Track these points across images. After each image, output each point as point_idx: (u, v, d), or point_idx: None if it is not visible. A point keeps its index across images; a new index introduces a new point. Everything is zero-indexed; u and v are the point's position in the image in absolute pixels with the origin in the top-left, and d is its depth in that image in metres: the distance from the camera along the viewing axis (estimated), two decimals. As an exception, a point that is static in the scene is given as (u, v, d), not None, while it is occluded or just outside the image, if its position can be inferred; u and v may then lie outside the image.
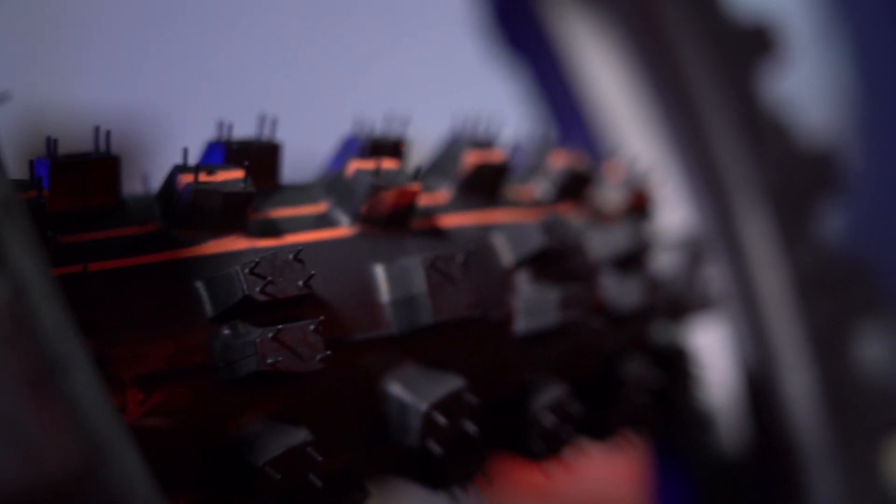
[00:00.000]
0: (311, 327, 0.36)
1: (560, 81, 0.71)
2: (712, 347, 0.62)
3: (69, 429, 0.24)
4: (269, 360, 0.35)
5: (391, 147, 0.42)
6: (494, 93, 0.71)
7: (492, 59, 0.72)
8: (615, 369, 0.47)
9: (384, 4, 1.53)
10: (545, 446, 0.44)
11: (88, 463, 0.25)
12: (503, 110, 0.50)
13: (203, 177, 0.36)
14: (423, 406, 0.39)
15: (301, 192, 0.40)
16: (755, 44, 0.69)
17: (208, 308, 0.36)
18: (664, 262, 0.51)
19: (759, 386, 0.66)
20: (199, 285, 0.36)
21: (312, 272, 0.36)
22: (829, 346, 0.67)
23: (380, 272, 0.39)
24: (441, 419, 0.39)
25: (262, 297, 0.35)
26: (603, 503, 1.63)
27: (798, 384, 0.66)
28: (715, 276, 0.60)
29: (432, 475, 0.41)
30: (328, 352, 0.36)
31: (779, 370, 0.66)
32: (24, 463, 0.23)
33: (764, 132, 0.69)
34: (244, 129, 0.39)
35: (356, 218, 0.40)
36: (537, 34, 0.71)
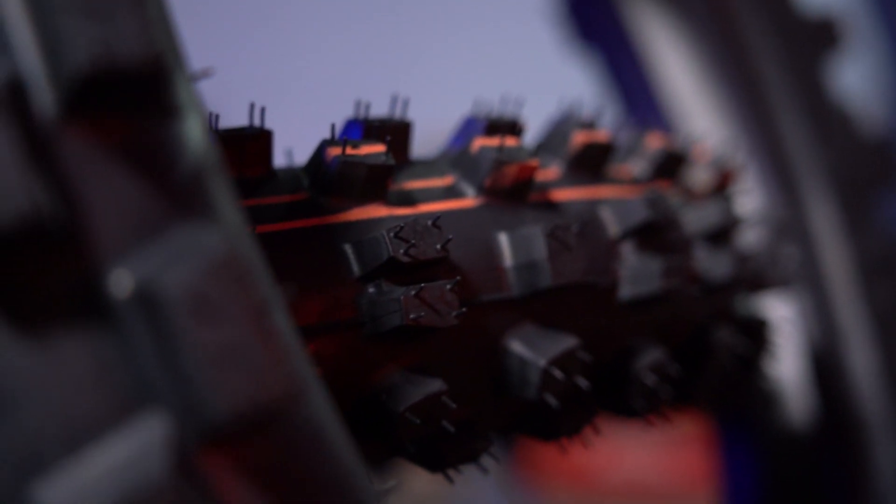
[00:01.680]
0: (448, 286, 0.39)
1: (633, 71, 0.74)
2: (780, 325, 0.65)
3: (285, 359, 0.28)
4: (411, 316, 0.39)
5: (509, 126, 0.46)
6: (571, 81, 0.74)
7: (567, 50, 0.76)
8: (706, 336, 0.50)
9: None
10: (646, 403, 0.47)
11: (299, 391, 0.28)
12: (579, 97, 0.53)
13: (349, 150, 0.40)
14: (542, 361, 0.42)
15: (430, 167, 0.44)
16: (822, 37, 0.72)
17: (355, 268, 0.39)
18: (749, 237, 0.54)
19: (825, 363, 0.70)
20: (347, 248, 0.40)
21: (450, 236, 0.40)
22: (891, 325, 0.70)
23: (503, 239, 0.43)
24: (558, 373, 0.42)
25: (405, 259, 0.39)
26: (641, 491, 1.66)
27: (862, 362, 0.69)
28: (794, 253, 0.63)
29: (546, 427, 0.45)
30: (463, 309, 0.40)
31: (844, 348, 0.69)
32: (254, 385, 0.27)
33: (829, 122, 0.72)
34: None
35: (481, 190, 0.43)
36: (611, 25, 0.75)
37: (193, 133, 0.29)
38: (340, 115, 0.43)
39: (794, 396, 0.70)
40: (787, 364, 0.67)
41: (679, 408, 0.53)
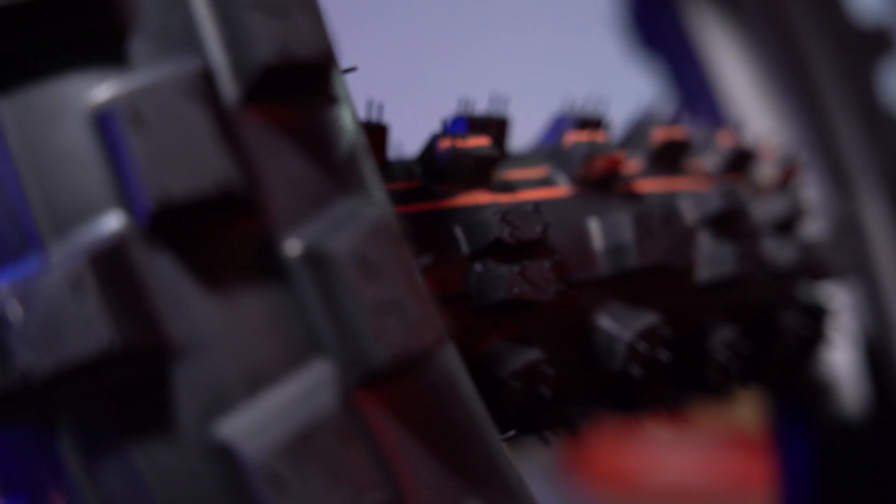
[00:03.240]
0: (547, 265, 0.44)
1: (695, 76, 0.79)
2: (837, 314, 0.69)
3: (433, 314, 0.32)
4: (514, 291, 0.43)
5: (596, 123, 0.50)
6: (634, 85, 0.79)
7: (632, 56, 0.80)
8: (772, 318, 0.54)
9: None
10: (719, 379, 0.51)
11: (440, 343, 0.33)
12: (652, 98, 0.57)
13: (458, 143, 0.45)
14: (628, 335, 0.46)
15: (526, 159, 0.48)
16: (875, 43, 0.76)
17: (464, 248, 0.44)
18: (811, 229, 0.59)
19: (877, 353, 0.74)
20: (456, 229, 0.44)
21: (548, 221, 0.44)
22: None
23: (593, 224, 0.47)
24: (642, 347, 0.46)
25: (509, 240, 0.43)
26: (686, 494, 1.68)
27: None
28: (851, 246, 0.68)
29: (629, 398, 0.49)
30: (561, 285, 0.44)
31: (895, 339, 0.73)
32: (408, 335, 0.31)
33: (882, 125, 0.76)
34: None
35: (573, 180, 0.48)
36: (674, 33, 0.79)
37: (348, 119, 0.33)
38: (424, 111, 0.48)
39: (848, 385, 0.74)
40: (841, 353, 0.71)
41: (746, 387, 0.57)
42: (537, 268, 0.44)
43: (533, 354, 0.44)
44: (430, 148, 0.45)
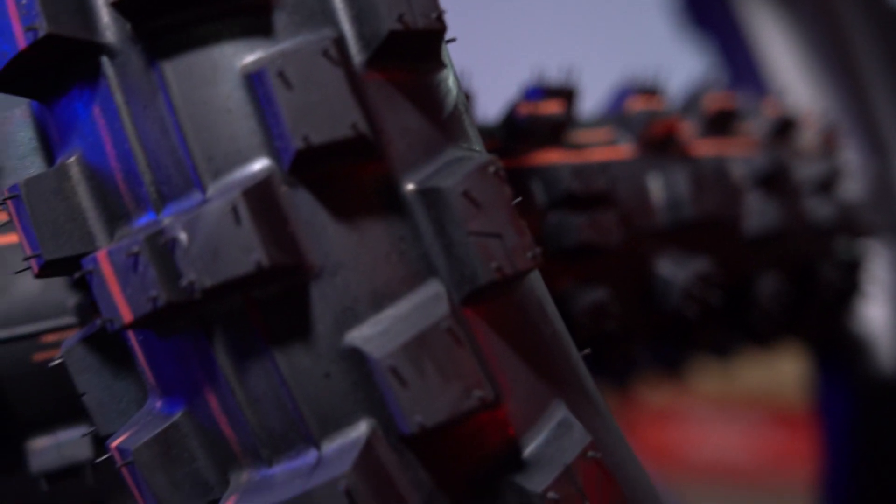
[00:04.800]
0: (613, 215, 0.50)
1: (741, 51, 0.84)
2: (873, 270, 0.74)
3: (528, 242, 0.38)
4: (584, 237, 0.49)
5: (654, 91, 0.56)
6: (685, 59, 0.84)
7: (682, 32, 0.86)
8: (813, 271, 0.60)
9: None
10: (764, 324, 0.57)
11: (533, 268, 0.38)
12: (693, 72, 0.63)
13: (535, 108, 0.51)
14: (683, 279, 0.52)
15: (594, 122, 0.54)
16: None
17: (541, 199, 0.50)
18: (849, 191, 0.64)
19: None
20: (534, 184, 0.50)
21: (614, 177, 0.50)
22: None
23: (653, 181, 0.53)
24: (696, 290, 0.52)
25: (580, 193, 0.49)
26: (726, 471, 1.71)
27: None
28: (889, 204, 0.73)
29: (683, 338, 0.55)
30: (625, 234, 0.50)
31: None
32: (509, 260, 0.37)
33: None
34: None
35: (634, 142, 0.54)
36: (721, 11, 0.85)
37: (453, 81, 0.39)
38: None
39: (885, 341, 0.79)
40: (878, 309, 0.77)
41: (788, 336, 0.63)
42: (604, 218, 0.50)
43: (600, 295, 0.50)
44: (511, 113, 0.51)
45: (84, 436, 0.45)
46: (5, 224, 0.46)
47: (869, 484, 0.84)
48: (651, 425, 1.76)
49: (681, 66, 0.63)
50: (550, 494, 0.35)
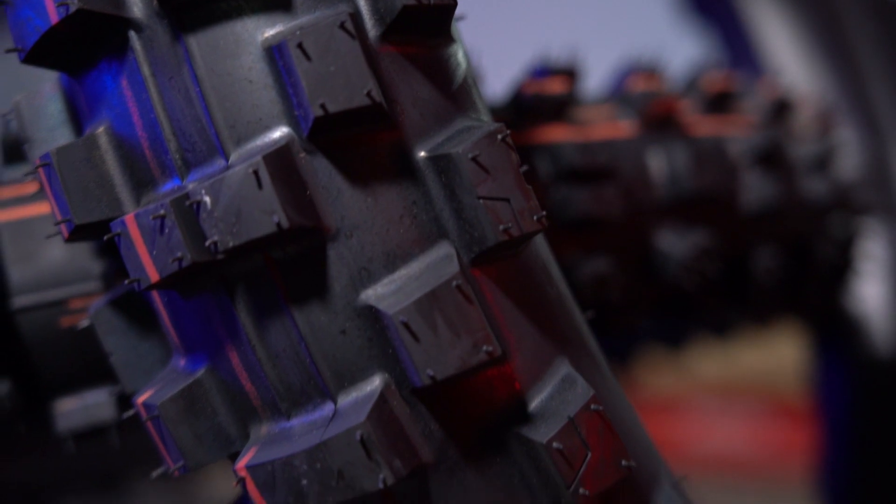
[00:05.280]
0: (614, 189, 0.52)
1: (739, 37, 0.86)
2: (868, 249, 0.76)
3: (534, 206, 0.40)
4: (586, 209, 0.51)
5: (654, 72, 0.58)
6: (685, 43, 0.86)
7: (681, 17, 0.88)
8: (809, 248, 0.62)
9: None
10: (763, 300, 0.59)
11: (539, 231, 0.40)
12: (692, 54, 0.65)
13: (540, 87, 0.53)
14: (681, 253, 0.54)
15: (596, 100, 0.56)
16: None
17: (546, 172, 0.52)
18: (844, 170, 0.66)
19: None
20: (540, 159, 0.52)
21: (616, 153, 0.52)
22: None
23: (654, 156, 0.55)
24: (694, 262, 0.54)
25: (584, 168, 0.51)
26: (728, 464, 1.72)
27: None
28: (883, 183, 0.75)
29: (683, 310, 0.57)
30: (626, 207, 0.52)
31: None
32: (516, 223, 0.39)
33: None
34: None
35: (635, 120, 0.56)
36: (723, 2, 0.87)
37: (462, 56, 0.41)
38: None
39: (880, 320, 0.81)
40: (873, 287, 0.79)
41: (785, 311, 0.65)
42: (606, 191, 0.52)
43: (602, 264, 0.52)
44: (517, 92, 0.53)
45: (111, 396, 0.47)
46: (32, 196, 0.48)
47: (866, 464, 0.85)
48: (650, 417, 1.76)
49: (681, 47, 0.65)
50: (555, 444, 0.37)
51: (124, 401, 0.47)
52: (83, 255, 0.48)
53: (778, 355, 1.23)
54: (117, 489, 0.99)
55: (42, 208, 0.48)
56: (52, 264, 0.48)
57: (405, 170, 0.38)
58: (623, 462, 0.38)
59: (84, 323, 0.44)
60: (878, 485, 0.85)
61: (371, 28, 0.39)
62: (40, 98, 0.43)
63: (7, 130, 0.48)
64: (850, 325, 0.81)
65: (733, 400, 1.75)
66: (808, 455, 0.90)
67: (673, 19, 0.90)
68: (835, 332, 0.81)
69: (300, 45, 0.37)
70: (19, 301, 0.47)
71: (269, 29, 0.38)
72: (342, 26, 0.37)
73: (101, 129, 0.40)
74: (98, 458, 0.94)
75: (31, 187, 0.49)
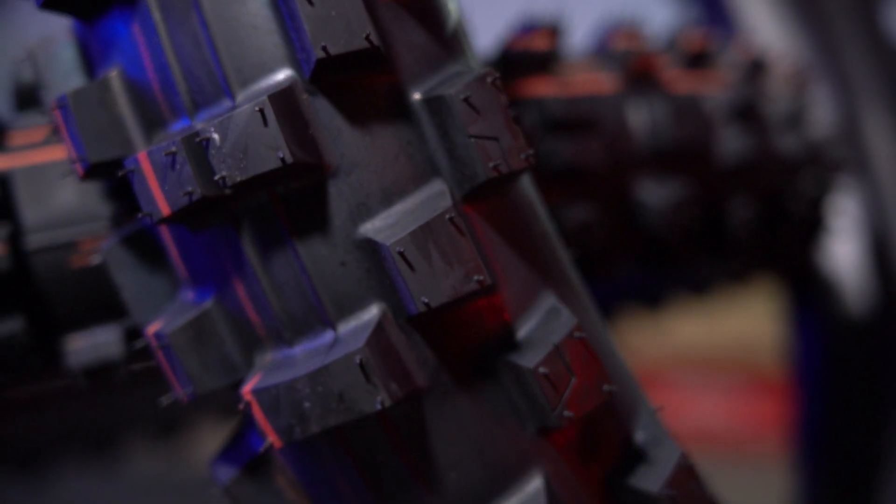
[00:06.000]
0: (598, 140, 0.54)
1: (717, 3, 0.88)
2: (841, 206, 0.78)
3: (523, 145, 0.42)
4: (569, 159, 0.53)
5: (634, 30, 0.61)
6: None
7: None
8: (783, 203, 0.65)
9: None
10: (738, 250, 0.62)
11: (525, 170, 0.43)
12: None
13: (526, 42, 0.55)
14: (662, 204, 0.57)
15: (579, 55, 0.59)
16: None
17: (532, 124, 0.54)
18: (817, 128, 0.69)
19: (880, 253, 0.83)
20: (526, 112, 0.54)
21: (597, 107, 0.55)
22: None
23: (635, 109, 0.58)
24: (674, 214, 0.57)
25: (564, 118, 0.54)
26: (708, 438, 1.73)
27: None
28: (855, 141, 0.78)
29: (660, 259, 0.60)
30: (608, 158, 0.55)
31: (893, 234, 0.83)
32: (503, 158, 0.41)
33: (884, 52, 0.86)
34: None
35: (618, 72, 0.58)
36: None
37: (453, 4, 0.44)
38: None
39: (852, 279, 0.84)
40: (845, 245, 0.81)
41: (760, 268, 0.68)
42: (589, 142, 0.54)
43: (585, 212, 0.55)
44: (504, 47, 0.56)
45: (120, 333, 0.50)
46: (43, 142, 0.50)
47: (840, 422, 0.88)
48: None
49: (660, 7, 0.68)
50: (541, 370, 0.39)
51: (133, 337, 0.49)
52: (93, 198, 0.50)
53: (756, 327, 1.25)
54: (112, 451, 1.01)
55: (53, 154, 0.50)
56: (64, 207, 0.50)
57: (401, 111, 0.40)
58: (605, 387, 0.41)
59: (96, 260, 0.46)
60: (851, 445, 0.87)
61: (368, -22, 0.41)
62: (54, 45, 0.45)
63: (19, 79, 0.50)
64: (822, 283, 0.83)
65: (712, 374, 1.77)
66: (785, 427, 0.92)
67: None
68: (808, 290, 0.84)
69: (304, -9, 0.39)
70: (32, 241, 0.49)
71: (276, -25, 0.40)
72: (342, -26, 0.39)
73: (113, 73, 0.42)
74: (92, 421, 0.96)
75: (41, 133, 0.51)
